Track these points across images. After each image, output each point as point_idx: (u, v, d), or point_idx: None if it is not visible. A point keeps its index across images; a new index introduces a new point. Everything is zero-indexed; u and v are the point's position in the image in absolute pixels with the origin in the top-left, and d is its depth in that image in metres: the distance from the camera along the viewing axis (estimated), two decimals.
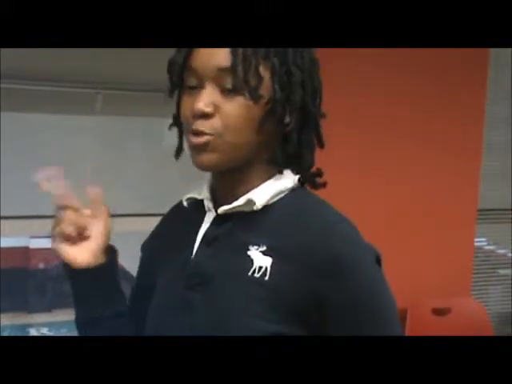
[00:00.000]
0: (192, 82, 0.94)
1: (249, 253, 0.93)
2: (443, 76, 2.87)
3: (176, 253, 1.03)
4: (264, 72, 0.92)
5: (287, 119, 0.95)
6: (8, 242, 2.45)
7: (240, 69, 0.90)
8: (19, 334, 2.44)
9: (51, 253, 1.06)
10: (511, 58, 3.00)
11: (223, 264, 0.96)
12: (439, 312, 2.86)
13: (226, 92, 0.92)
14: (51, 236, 1.02)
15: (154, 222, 1.16)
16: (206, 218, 1.01)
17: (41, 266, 2.52)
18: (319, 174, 1.03)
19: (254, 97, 0.91)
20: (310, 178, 1.02)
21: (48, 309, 2.53)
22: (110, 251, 1.06)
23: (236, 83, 0.91)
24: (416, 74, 2.81)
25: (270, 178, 0.98)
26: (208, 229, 1.00)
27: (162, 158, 2.48)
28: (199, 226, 1.01)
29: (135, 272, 1.17)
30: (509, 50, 2.92)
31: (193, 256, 1.00)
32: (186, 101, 0.95)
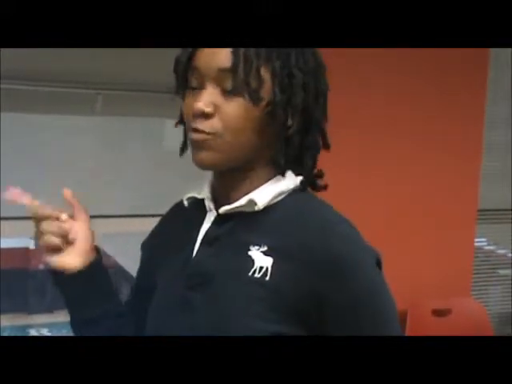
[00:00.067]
0: (194, 81, 0.94)
1: (250, 253, 0.93)
2: (443, 76, 2.86)
3: (176, 252, 1.03)
4: (265, 74, 0.92)
5: (289, 122, 0.95)
6: (8, 243, 2.44)
7: (241, 70, 0.90)
8: (19, 334, 2.44)
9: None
10: (511, 58, 3.00)
11: (224, 264, 0.96)
12: (439, 313, 2.85)
13: (227, 93, 0.92)
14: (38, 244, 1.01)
15: (154, 222, 1.16)
16: (206, 218, 1.01)
17: (41, 266, 2.51)
18: (320, 175, 1.03)
19: (254, 99, 0.91)
20: (311, 180, 1.02)
21: (49, 309, 2.52)
22: (95, 250, 1.06)
23: (236, 84, 0.91)
24: (416, 73, 2.81)
25: (271, 178, 0.98)
26: (209, 228, 1.00)
27: (162, 158, 2.48)
28: (200, 226, 1.01)
29: (135, 272, 1.17)
30: (509, 50, 2.92)
31: (193, 255, 1.00)
32: (189, 100, 0.95)
